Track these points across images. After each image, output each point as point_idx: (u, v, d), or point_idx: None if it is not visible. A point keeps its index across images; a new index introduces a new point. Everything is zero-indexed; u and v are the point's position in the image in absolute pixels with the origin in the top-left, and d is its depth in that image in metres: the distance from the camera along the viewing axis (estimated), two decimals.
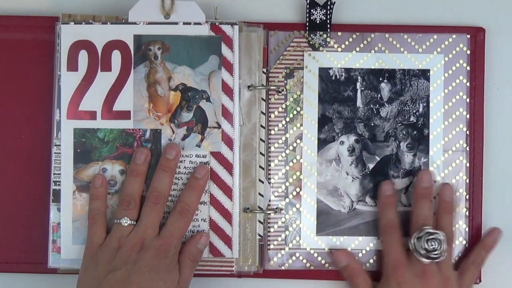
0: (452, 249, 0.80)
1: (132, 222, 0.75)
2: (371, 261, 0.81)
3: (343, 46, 0.83)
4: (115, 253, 0.74)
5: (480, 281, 0.81)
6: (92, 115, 0.79)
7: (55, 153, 0.79)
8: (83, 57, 0.79)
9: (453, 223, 0.81)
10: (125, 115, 0.79)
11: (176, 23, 0.80)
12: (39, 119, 0.82)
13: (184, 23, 0.80)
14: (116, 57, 0.79)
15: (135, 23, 0.80)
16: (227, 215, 0.79)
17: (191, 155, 0.79)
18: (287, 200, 0.82)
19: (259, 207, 0.80)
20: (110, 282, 0.72)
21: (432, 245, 0.75)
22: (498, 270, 0.82)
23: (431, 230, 0.76)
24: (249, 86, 0.80)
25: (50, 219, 0.79)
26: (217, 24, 0.80)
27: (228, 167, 0.79)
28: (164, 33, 0.80)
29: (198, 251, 0.77)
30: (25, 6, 0.85)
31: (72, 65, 0.79)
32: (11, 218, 0.82)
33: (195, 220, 0.79)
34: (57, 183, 0.79)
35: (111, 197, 0.79)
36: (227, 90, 0.80)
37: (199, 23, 0.80)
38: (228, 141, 0.79)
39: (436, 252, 0.75)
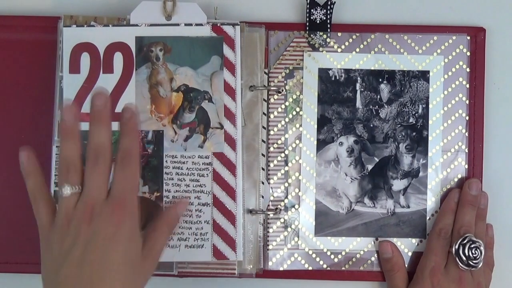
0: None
1: (75, 188, 0.66)
2: (369, 261, 0.83)
3: (343, 46, 0.84)
4: (66, 230, 0.65)
5: None
6: None
7: (56, 154, 0.80)
8: (85, 59, 0.79)
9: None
10: None
11: (177, 25, 0.80)
12: (40, 119, 0.82)
13: (185, 24, 0.80)
14: (118, 59, 0.80)
15: (136, 25, 0.80)
16: (230, 217, 0.80)
17: (193, 156, 0.80)
18: (286, 200, 0.83)
19: (260, 209, 0.81)
20: (68, 267, 0.63)
21: (475, 254, 0.77)
22: (499, 270, 0.83)
23: (474, 239, 0.78)
24: (250, 87, 0.81)
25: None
26: (218, 24, 0.80)
27: (231, 167, 0.80)
28: (165, 35, 0.80)
29: (177, 217, 0.71)
30: (26, 6, 0.85)
31: (74, 68, 0.79)
32: (11, 218, 0.82)
33: (198, 222, 0.79)
34: None
35: None
36: (229, 91, 0.80)
37: (201, 24, 0.80)
38: (230, 141, 0.80)
39: (476, 261, 0.77)
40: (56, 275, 0.64)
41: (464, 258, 0.77)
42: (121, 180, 0.66)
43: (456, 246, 0.78)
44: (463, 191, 0.82)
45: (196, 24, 0.80)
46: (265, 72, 0.82)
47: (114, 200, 0.66)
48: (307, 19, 0.83)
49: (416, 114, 0.83)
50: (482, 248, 0.78)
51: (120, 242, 0.64)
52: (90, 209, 0.65)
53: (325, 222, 0.83)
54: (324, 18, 0.83)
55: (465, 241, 0.78)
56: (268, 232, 0.82)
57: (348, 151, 0.83)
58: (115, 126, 0.79)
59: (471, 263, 0.77)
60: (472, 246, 0.77)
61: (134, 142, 0.68)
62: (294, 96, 0.83)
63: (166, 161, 0.80)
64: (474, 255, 0.77)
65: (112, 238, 0.64)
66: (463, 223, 0.80)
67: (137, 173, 0.68)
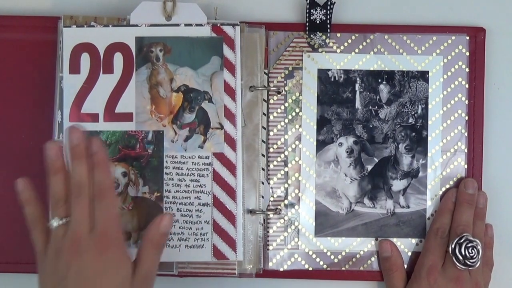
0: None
1: (63, 220, 0.69)
2: (369, 262, 0.83)
3: (342, 47, 0.84)
4: (56, 262, 0.68)
5: None
6: (94, 118, 0.79)
7: None
8: (85, 60, 0.79)
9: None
10: (127, 117, 0.80)
11: (177, 25, 0.80)
12: (40, 120, 0.82)
13: (185, 25, 0.80)
14: (118, 60, 0.80)
15: (136, 25, 0.80)
16: (230, 217, 0.80)
17: (193, 156, 0.80)
18: (286, 201, 0.83)
19: (260, 209, 0.81)
20: None
21: (471, 253, 0.77)
22: (499, 270, 0.83)
23: (471, 238, 0.78)
24: (250, 87, 0.81)
25: (50, 219, 0.80)
26: (218, 25, 0.80)
27: (231, 168, 0.80)
28: (165, 35, 0.80)
29: (161, 235, 0.71)
30: (27, 6, 0.85)
31: (74, 68, 0.79)
32: (11, 218, 0.82)
33: (198, 222, 0.79)
34: None
35: None
36: (229, 91, 0.80)
37: (201, 25, 0.80)
38: (230, 141, 0.80)
39: (473, 260, 0.77)
40: None
41: (460, 258, 0.77)
42: (100, 213, 0.69)
43: (453, 246, 0.78)
44: (459, 190, 0.82)
45: (196, 25, 0.80)
46: (265, 73, 0.82)
47: (97, 232, 0.68)
48: (307, 19, 0.83)
49: (416, 115, 0.83)
50: (479, 247, 0.77)
51: (108, 272, 0.68)
52: (76, 243, 0.68)
53: (325, 222, 0.83)
54: (324, 18, 0.83)
55: (461, 240, 0.78)
56: (268, 232, 0.82)
57: (347, 152, 0.83)
58: (115, 126, 0.80)
59: (468, 262, 0.77)
60: (469, 245, 0.77)
61: (106, 174, 0.70)
62: (294, 97, 0.83)
63: (166, 162, 0.80)
64: (471, 255, 0.77)
65: (100, 269, 0.67)
66: (460, 222, 0.80)
67: (114, 203, 0.71)
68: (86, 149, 0.70)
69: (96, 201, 0.69)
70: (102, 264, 0.68)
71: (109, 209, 0.70)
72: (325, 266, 0.82)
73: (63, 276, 0.67)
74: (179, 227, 0.80)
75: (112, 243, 0.69)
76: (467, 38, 0.84)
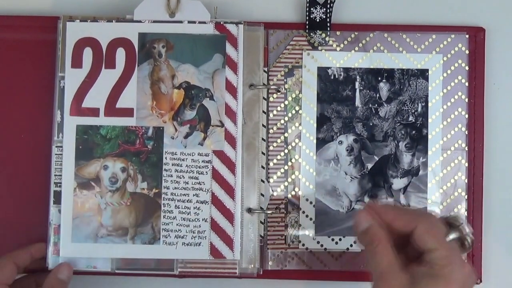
0: None
1: None
2: None
3: (342, 45, 0.84)
4: None
5: (481, 281, 0.82)
6: (95, 112, 0.79)
7: (56, 154, 0.79)
8: (87, 54, 0.80)
9: None
10: (128, 112, 0.79)
11: (181, 22, 0.81)
12: (40, 119, 0.82)
13: (189, 22, 0.81)
14: (120, 55, 0.80)
15: (140, 21, 0.80)
16: (229, 216, 0.79)
17: (193, 154, 0.80)
18: (286, 200, 0.82)
19: (260, 208, 0.81)
20: None
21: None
22: (498, 270, 0.83)
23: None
24: (250, 85, 0.81)
25: (50, 220, 0.79)
26: (221, 23, 0.81)
27: (231, 166, 0.80)
28: (168, 32, 0.80)
29: (60, 282, 0.76)
30: (26, 6, 0.85)
31: (77, 62, 0.80)
32: (11, 218, 0.82)
33: (196, 220, 0.79)
34: (58, 184, 0.79)
35: (112, 195, 0.79)
36: (231, 89, 0.80)
37: (204, 22, 0.81)
38: (231, 140, 0.80)
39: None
40: None
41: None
42: None
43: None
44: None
45: (200, 22, 0.81)
46: (264, 71, 0.82)
47: None
48: (307, 17, 0.84)
49: (416, 113, 0.83)
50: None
51: None
52: None
53: (325, 221, 0.82)
54: (324, 16, 0.84)
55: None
56: (268, 231, 0.82)
57: (347, 150, 0.83)
58: (115, 121, 0.80)
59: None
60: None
61: None
62: (294, 95, 0.83)
63: (166, 158, 0.79)
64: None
65: None
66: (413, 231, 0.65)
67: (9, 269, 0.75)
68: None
69: None
70: None
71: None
72: (325, 265, 0.82)
73: None
74: (177, 224, 0.79)
75: None
76: (467, 36, 0.84)
